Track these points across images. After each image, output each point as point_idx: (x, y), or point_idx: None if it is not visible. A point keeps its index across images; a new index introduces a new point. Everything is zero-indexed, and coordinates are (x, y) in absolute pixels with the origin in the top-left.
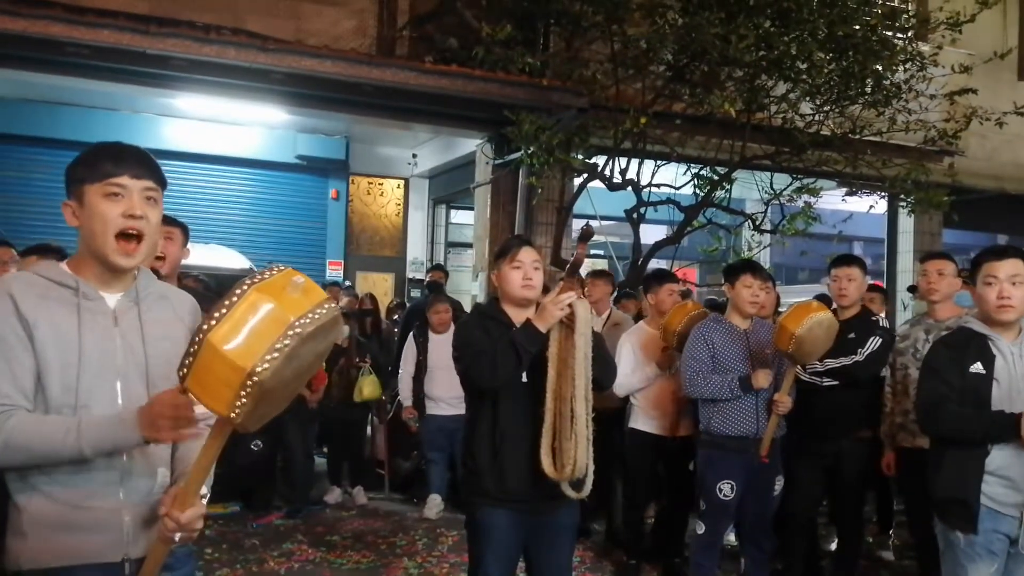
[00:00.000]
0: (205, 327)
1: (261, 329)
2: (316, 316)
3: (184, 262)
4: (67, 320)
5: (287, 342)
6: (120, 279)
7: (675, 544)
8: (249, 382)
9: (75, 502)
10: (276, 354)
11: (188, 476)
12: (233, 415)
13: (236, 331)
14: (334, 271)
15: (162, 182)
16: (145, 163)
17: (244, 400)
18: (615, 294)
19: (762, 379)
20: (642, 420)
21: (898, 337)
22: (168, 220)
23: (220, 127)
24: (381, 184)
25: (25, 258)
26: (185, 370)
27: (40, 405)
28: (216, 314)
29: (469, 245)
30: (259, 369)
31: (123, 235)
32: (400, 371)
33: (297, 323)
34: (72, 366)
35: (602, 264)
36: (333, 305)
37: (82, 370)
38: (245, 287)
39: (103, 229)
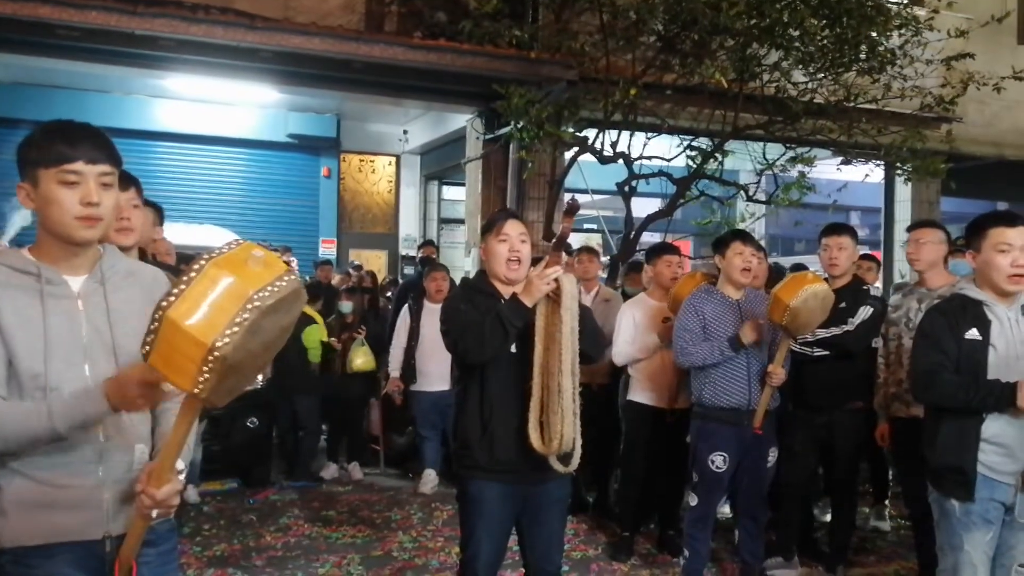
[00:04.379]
0: (164, 303)
1: (221, 303)
2: (276, 288)
3: (178, 242)
4: (31, 307)
5: (247, 315)
6: (84, 260)
7: (669, 517)
8: (211, 357)
9: (54, 481)
10: (237, 328)
11: (162, 452)
12: (197, 390)
13: (196, 306)
14: (327, 249)
15: (118, 162)
16: (99, 145)
17: (207, 375)
18: (623, 268)
19: (749, 332)
20: (640, 392)
21: (890, 307)
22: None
23: (211, 107)
24: (372, 161)
25: None
26: (147, 347)
27: (14, 392)
28: (175, 290)
29: (462, 221)
30: (220, 344)
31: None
32: (392, 343)
33: (256, 296)
34: (38, 352)
35: (595, 238)
36: (294, 277)
37: (48, 356)
38: (203, 262)
39: (59, 216)
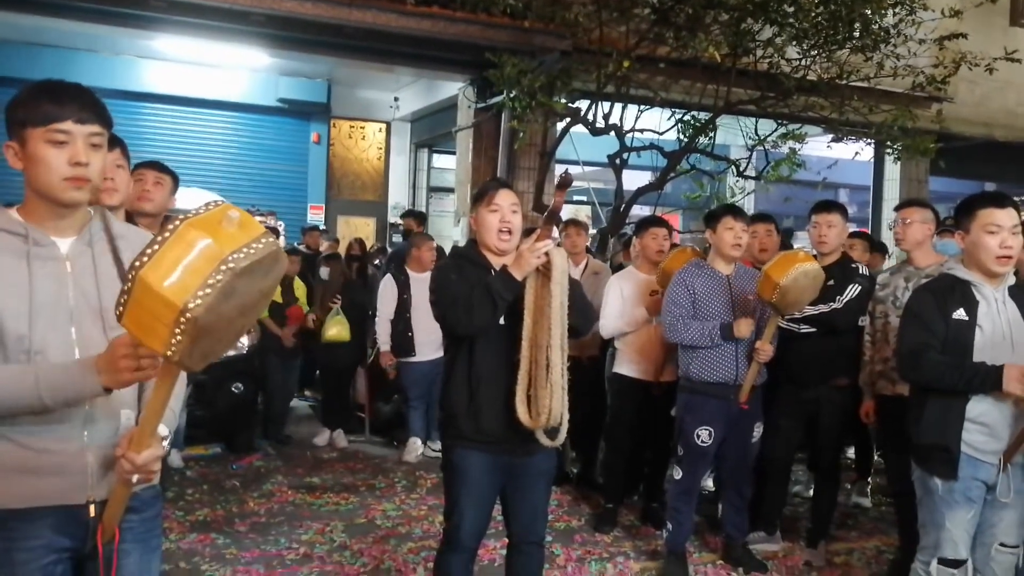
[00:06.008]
0: (138, 264)
1: (194, 265)
2: (252, 251)
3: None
4: (17, 268)
5: (220, 277)
6: (73, 222)
7: (653, 489)
8: (182, 319)
9: (38, 445)
10: (209, 290)
11: (142, 417)
12: (170, 353)
13: (169, 267)
14: (315, 215)
15: (108, 123)
16: (90, 106)
17: (179, 337)
18: (616, 242)
19: (744, 328)
20: (626, 365)
21: (878, 285)
22: (160, 167)
23: (201, 70)
24: (363, 128)
25: None
26: (121, 308)
27: None
28: (148, 250)
29: (451, 190)
30: (192, 305)
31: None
32: (378, 315)
33: (231, 258)
34: (23, 314)
35: (585, 210)
36: (272, 239)
37: (34, 318)
38: (178, 222)
39: (47, 176)
